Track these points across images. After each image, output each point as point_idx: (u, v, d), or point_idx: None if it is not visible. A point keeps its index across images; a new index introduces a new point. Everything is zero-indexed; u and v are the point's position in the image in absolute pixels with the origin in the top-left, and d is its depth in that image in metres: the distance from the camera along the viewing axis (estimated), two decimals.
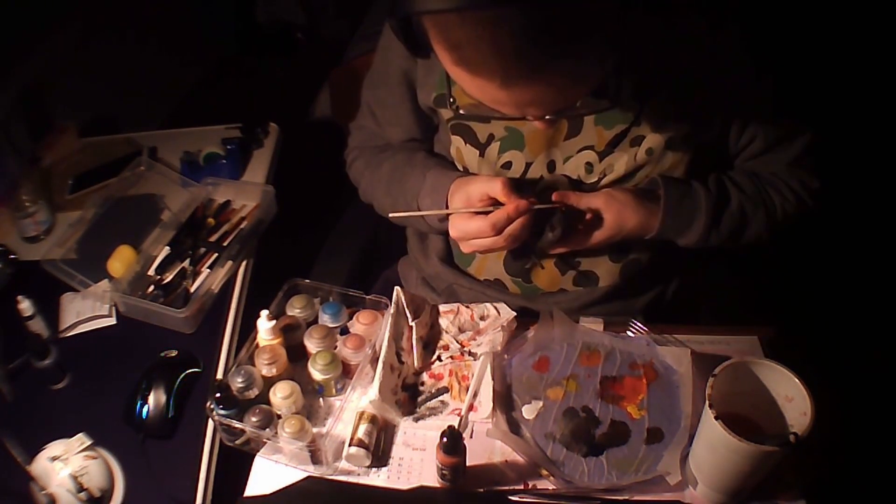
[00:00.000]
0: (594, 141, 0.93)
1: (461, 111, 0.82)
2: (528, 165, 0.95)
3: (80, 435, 0.90)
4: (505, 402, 0.94)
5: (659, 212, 0.93)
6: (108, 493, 0.90)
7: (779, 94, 0.94)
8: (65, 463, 0.87)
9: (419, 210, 0.98)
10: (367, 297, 1.01)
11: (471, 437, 0.90)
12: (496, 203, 0.89)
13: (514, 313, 1.01)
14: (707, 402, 0.76)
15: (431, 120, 1.04)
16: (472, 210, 0.90)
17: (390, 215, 0.99)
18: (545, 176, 0.96)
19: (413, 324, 0.97)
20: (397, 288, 0.99)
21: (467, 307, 1.03)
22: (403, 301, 0.98)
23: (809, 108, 1.00)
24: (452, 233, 0.94)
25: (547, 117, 0.74)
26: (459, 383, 0.96)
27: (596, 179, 0.95)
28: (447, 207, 0.94)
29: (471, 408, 0.92)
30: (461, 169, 1.01)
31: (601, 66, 0.67)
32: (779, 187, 0.99)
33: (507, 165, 0.96)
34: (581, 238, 0.93)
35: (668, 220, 0.93)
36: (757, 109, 0.94)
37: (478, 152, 0.96)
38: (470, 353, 0.99)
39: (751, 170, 1.01)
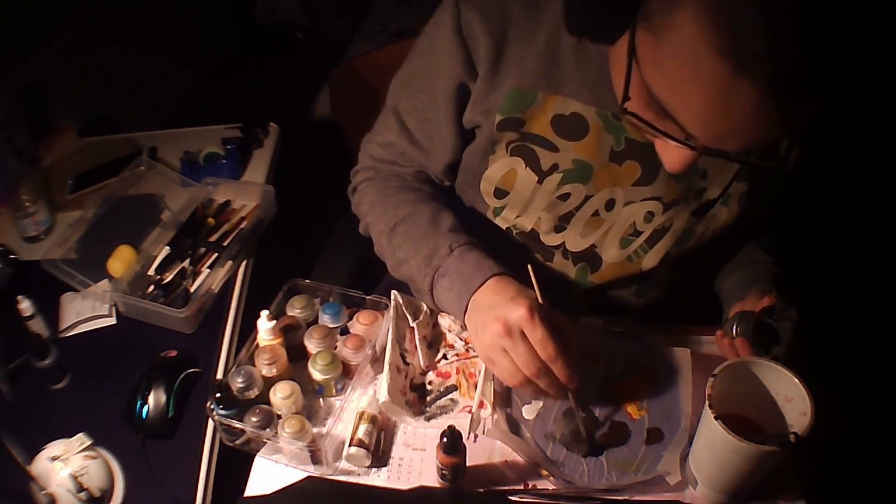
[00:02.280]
0: (663, 192, 0.90)
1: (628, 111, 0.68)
2: (586, 198, 0.91)
3: (80, 435, 0.90)
4: (505, 402, 0.94)
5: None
6: (108, 493, 0.90)
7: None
8: (65, 463, 0.87)
9: (431, 288, 0.88)
10: (368, 297, 1.01)
11: (483, 433, 0.89)
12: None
13: None
14: (707, 402, 0.76)
15: (469, 142, 0.93)
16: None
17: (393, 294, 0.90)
18: (600, 212, 0.92)
19: (414, 325, 0.97)
20: (394, 291, 0.99)
21: None
22: (402, 303, 0.98)
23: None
24: (478, 353, 0.83)
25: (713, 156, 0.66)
26: (467, 380, 0.96)
27: (652, 231, 0.93)
28: (468, 303, 0.83)
29: (481, 405, 0.92)
30: (505, 191, 0.92)
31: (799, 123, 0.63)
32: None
33: (565, 196, 0.91)
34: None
35: None
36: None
37: (536, 178, 0.90)
38: (474, 349, 0.99)
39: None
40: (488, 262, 0.84)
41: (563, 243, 0.97)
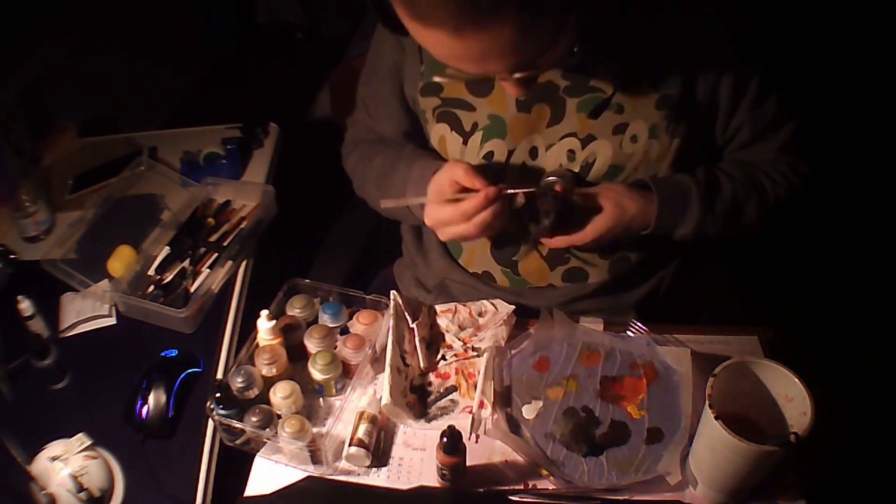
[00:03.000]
0: (576, 128, 0.93)
1: (435, 78, 0.86)
2: (510, 153, 0.95)
3: (80, 435, 0.90)
4: (505, 401, 0.94)
5: (654, 200, 0.92)
6: (108, 493, 0.90)
7: (764, 83, 0.94)
8: (65, 463, 0.87)
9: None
10: (368, 297, 1.02)
11: (484, 433, 0.89)
12: (467, 190, 0.88)
13: (513, 307, 1.01)
14: (707, 402, 0.76)
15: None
16: (448, 198, 0.89)
17: (381, 203, 0.97)
18: (528, 163, 0.96)
19: (414, 326, 0.97)
20: (394, 292, 0.99)
21: (465, 305, 1.03)
22: (401, 304, 0.98)
23: (802, 100, 1.00)
24: (426, 221, 0.93)
25: (516, 76, 0.75)
26: (467, 381, 0.96)
27: (578, 168, 0.95)
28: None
29: (481, 405, 0.92)
30: (446, 159, 1.00)
31: (557, 25, 0.69)
32: (768, 172, 0.99)
33: (490, 155, 0.96)
34: (583, 231, 0.92)
35: (665, 209, 0.92)
36: (742, 98, 0.94)
37: (461, 139, 0.96)
38: (473, 349, 0.99)
39: (739, 159, 1.01)
40: (439, 162, 0.97)
41: None
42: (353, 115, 1.15)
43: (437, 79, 0.86)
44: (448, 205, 0.89)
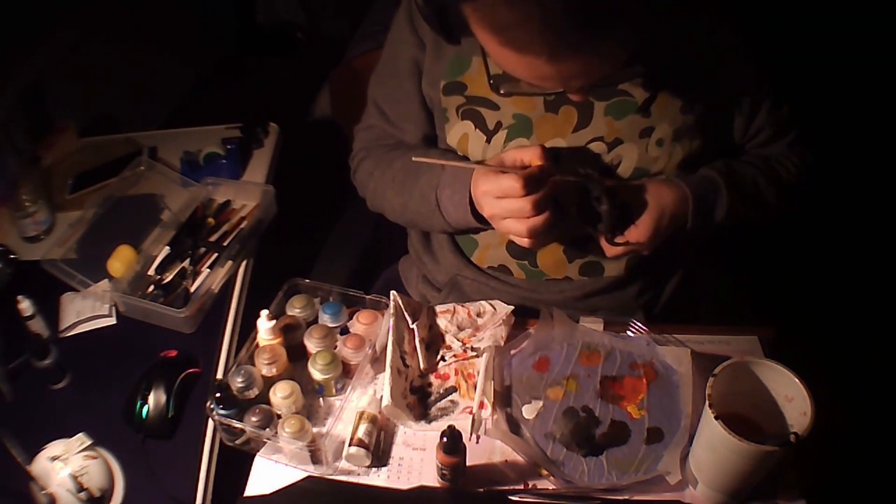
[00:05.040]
0: (603, 131, 0.93)
1: (501, 91, 0.83)
2: None
3: (80, 435, 0.90)
4: (505, 401, 0.94)
5: (687, 195, 0.92)
6: (108, 493, 0.90)
7: (781, 86, 0.96)
8: (65, 463, 0.87)
9: (438, 205, 0.94)
10: (368, 296, 1.01)
11: (485, 433, 0.89)
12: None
13: (511, 307, 1.01)
14: (707, 402, 0.76)
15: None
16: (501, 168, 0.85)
17: (413, 158, 0.90)
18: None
19: (414, 326, 0.97)
20: (394, 293, 0.99)
21: (463, 306, 1.03)
22: (401, 304, 0.98)
23: (807, 102, 1.01)
24: (479, 189, 0.87)
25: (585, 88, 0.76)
26: (466, 381, 0.96)
27: (602, 172, 0.94)
28: (470, 199, 0.90)
29: (481, 405, 0.92)
30: (464, 158, 0.98)
31: (631, 43, 0.70)
32: (782, 161, 1.02)
33: None
34: (638, 228, 0.89)
35: (699, 202, 0.92)
36: (763, 102, 0.96)
37: (485, 138, 0.95)
38: (472, 349, 0.99)
39: (753, 153, 1.03)
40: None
41: None
42: (364, 121, 1.10)
43: (502, 91, 0.84)
44: (508, 175, 0.83)
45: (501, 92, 0.83)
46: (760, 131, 0.99)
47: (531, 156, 0.84)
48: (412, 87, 0.99)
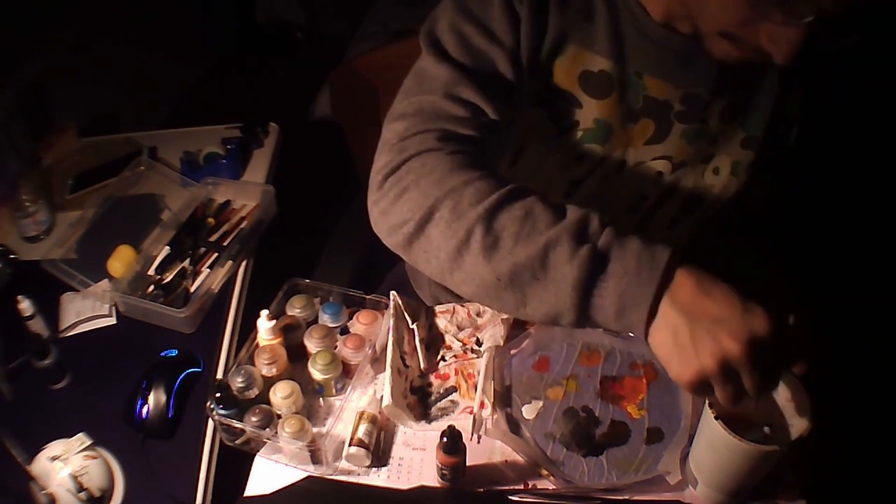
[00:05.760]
0: (673, 152, 0.91)
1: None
2: (601, 161, 0.90)
3: (80, 435, 0.90)
4: (505, 401, 0.94)
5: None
6: (108, 493, 0.90)
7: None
8: (65, 463, 0.87)
9: (586, 300, 0.63)
10: (368, 297, 1.01)
11: (485, 432, 0.89)
12: None
13: None
14: (707, 402, 0.76)
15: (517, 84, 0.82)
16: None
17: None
18: (610, 175, 0.91)
19: (414, 327, 0.97)
20: (393, 293, 0.99)
21: (463, 306, 1.03)
22: (401, 304, 0.98)
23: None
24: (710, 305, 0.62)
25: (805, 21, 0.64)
26: (466, 381, 0.96)
27: (659, 193, 0.93)
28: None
29: (482, 405, 0.92)
30: (522, 147, 0.87)
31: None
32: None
33: (581, 158, 0.89)
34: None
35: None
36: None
37: (556, 131, 0.87)
38: (472, 350, 0.99)
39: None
40: (659, 247, 0.63)
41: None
42: (427, 91, 0.77)
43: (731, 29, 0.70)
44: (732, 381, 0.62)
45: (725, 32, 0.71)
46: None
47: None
48: (508, 42, 0.79)
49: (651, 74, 0.85)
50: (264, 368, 0.92)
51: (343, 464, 0.89)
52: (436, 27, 0.80)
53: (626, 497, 0.84)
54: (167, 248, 1.20)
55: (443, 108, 0.75)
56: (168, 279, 1.17)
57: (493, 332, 0.99)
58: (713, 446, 0.77)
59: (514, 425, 0.91)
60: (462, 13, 0.79)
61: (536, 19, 0.80)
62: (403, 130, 0.74)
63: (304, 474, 0.88)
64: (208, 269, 1.18)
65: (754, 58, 0.73)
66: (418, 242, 0.69)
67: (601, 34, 0.83)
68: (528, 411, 0.93)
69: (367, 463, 0.88)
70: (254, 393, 0.91)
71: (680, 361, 0.61)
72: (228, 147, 1.39)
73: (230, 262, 1.19)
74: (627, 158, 0.91)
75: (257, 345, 0.95)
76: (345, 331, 1.01)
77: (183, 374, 1.01)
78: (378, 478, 0.88)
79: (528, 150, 0.89)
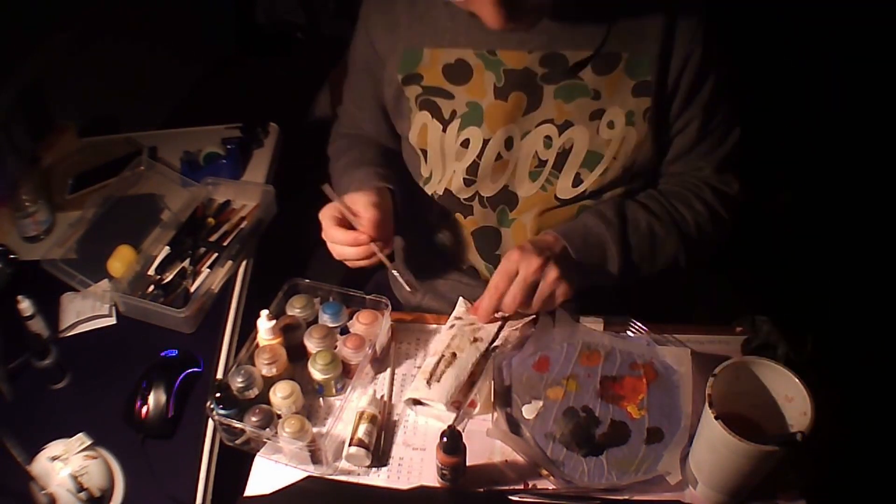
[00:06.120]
0: (553, 114, 0.94)
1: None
2: (485, 143, 0.97)
3: (80, 435, 0.90)
4: (505, 401, 0.94)
5: (571, 252, 0.93)
6: (108, 493, 0.90)
7: (721, 82, 0.96)
8: (65, 463, 0.87)
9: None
10: (368, 297, 1.01)
11: (463, 429, 0.89)
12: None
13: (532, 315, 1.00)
14: (707, 402, 0.76)
15: (393, 107, 1.05)
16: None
17: (323, 187, 1.02)
18: (502, 153, 0.97)
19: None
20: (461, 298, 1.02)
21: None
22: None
23: (800, 102, 1.01)
24: (323, 215, 0.98)
25: (502, 13, 0.78)
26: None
27: (555, 156, 0.96)
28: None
29: (471, 403, 0.92)
30: (420, 151, 1.02)
31: None
32: (689, 202, 1.00)
33: (466, 143, 0.98)
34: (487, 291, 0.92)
35: (582, 259, 0.93)
36: (699, 90, 0.95)
37: (441, 127, 0.98)
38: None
39: (661, 189, 1.03)
40: (374, 181, 1.00)
41: (477, 192, 1.02)
42: (343, 104, 1.16)
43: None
44: (335, 228, 0.95)
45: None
46: (689, 124, 0.98)
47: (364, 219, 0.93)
48: (364, 81, 1.06)
49: (502, 48, 0.93)
50: (264, 368, 0.92)
51: (343, 464, 0.89)
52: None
53: (626, 497, 0.84)
54: (167, 248, 1.20)
55: (341, 128, 1.19)
56: (168, 279, 1.17)
57: (508, 335, 0.99)
58: (713, 446, 0.77)
59: (514, 425, 0.91)
60: (346, 82, 1.12)
61: (386, 39, 0.99)
62: (335, 127, 1.21)
63: (304, 474, 0.88)
64: (208, 269, 1.18)
65: (499, 19, 0.79)
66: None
67: (443, 29, 0.96)
68: (528, 411, 0.93)
69: (367, 463, 0.88)
70: (254, 393, 0.91)
71: None
72: (228, 147, 1.39)
73: (230, 262, 1.19)
74: (513, 134, 0.96)
75: (257, 345, 0.95)
76: (345, 331, 1.01)
77: (183, 374, 1.01)
78: (378, 478, 0.88)
79: (427, 152, 1.02)
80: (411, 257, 1.17)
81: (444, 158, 1.01)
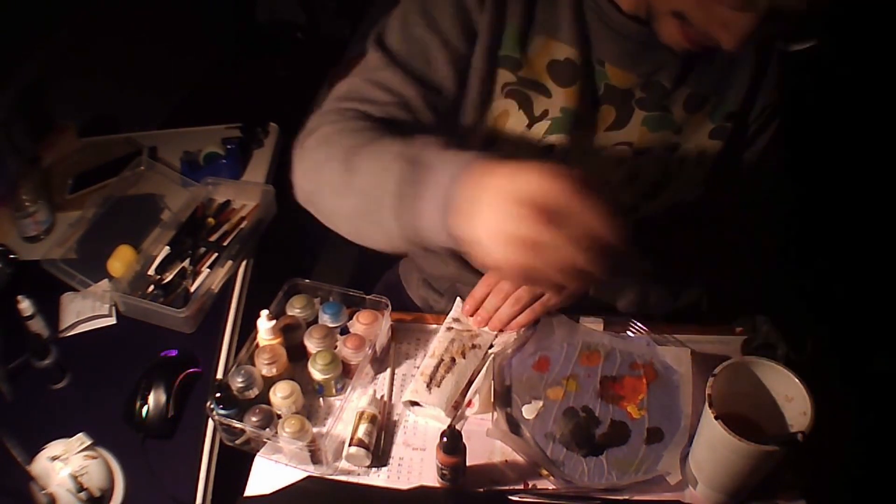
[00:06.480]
0: (634, 138, 0.92)
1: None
2: (566, 153, 0.91)
3: (80, 435, 0.90)
4: (505, 401, 0.94)
5: None
6: (108, 493, 0.90)
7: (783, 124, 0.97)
8: (65, 463, 0.87)
9: (399, 205, 0.66)
10: (368, 297, 1.01)
11: (461, 429, 0.89)
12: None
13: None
14: (707, 402, 0.76)
15: (464, 87, 0.87)
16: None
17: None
18: (573, 162, 0.92)
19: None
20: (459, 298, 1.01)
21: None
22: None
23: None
24: (503, 186, 0.60)
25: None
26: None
27: (620, 178, 0.94)
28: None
29: (468, 403, 0.92)
30: (484, 137, 0.90)
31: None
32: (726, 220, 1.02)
33: (548, 149, 0.90)
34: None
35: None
36: (766, 132, 0.97)
37: (527, 122, 0.89)
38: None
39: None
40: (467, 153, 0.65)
41: None
42: (343, 85, 0.85)
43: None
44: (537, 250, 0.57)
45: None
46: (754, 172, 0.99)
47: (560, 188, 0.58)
48: (451, 34, 0.82)
49: (612, 63, 0.87)
50: (264, 368, 0.92)
51: (343, 464, 0.89)
52: (389, 19, 0.87)
53: (626, 497, 0.84)
54: (167, 248, 1.20)
55: (360, 91, 0.83)
56: (168, 279, 1.17)
57: (505, 339, 0.99)
58: (713, 446, 0.77)
59: (514, 425, 0.91)
60: (414, 3, 0.85)
61: (497, 8, 0.84)
62: (325, 105, 0.84)
63: (304, 474, 0.88)
64: (208, 269, 1.18)
65: (701, 42, 0.75)
66: (316, 196, 0.83)
67: (565, 22, 0.86)
68: (528, 411, 0.93)
69: (367, 463, 0.88)
70: (254, 393, 0.91)
71: (485, 243, 0.61)
72: (228, 147, 1.39)
73: (230, 262, 1.18)
74: (590, 145, 0.92)
75: (257, 345, 0.95)
76: (345, 331, 1.01)
77: (183, 374, 1.01)
78: (378, 478, 0.88)
79: (497, 143, 0.91)
80: (427, 259, 1.13)
81: (515, 154, 0.88)
